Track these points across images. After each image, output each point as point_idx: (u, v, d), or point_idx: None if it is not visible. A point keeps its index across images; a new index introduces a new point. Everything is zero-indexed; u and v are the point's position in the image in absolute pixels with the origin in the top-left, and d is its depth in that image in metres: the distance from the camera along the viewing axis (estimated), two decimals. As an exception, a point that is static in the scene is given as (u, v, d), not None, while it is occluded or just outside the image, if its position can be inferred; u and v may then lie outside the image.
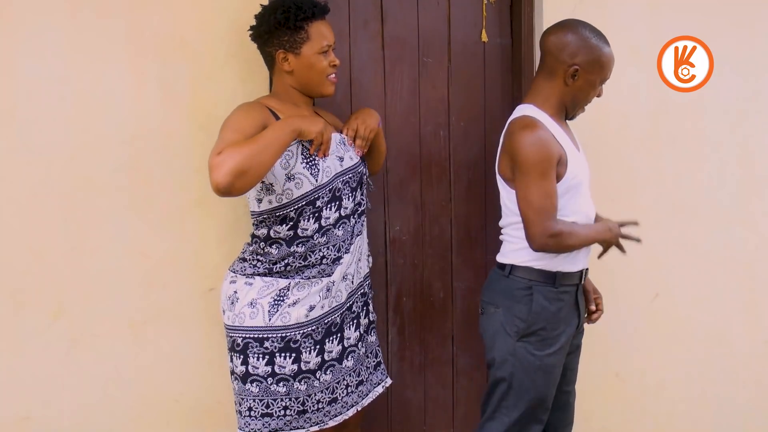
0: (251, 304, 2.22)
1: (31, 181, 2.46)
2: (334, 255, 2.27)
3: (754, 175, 2.90)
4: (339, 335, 2.30)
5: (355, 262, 2.34)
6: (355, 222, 2.33)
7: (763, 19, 2.90)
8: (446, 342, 2.90)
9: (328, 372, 2.27)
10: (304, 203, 2.21)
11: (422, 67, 2.81)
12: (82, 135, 2.49)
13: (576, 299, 2.33)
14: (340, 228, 2.28)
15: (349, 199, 2.30)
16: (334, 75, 2.31)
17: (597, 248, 2.38)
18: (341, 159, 2.28)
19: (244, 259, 2.30)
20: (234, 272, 2.29)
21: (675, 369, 2.90)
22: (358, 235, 2.34)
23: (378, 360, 2.48)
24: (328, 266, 2.26)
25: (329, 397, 2.28)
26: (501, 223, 2.36)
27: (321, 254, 2.26)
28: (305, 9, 2.24)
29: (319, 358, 2.25)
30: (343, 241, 2.29)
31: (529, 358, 2.25)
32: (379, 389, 2.46)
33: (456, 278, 2.88)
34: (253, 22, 2.37)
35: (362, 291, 2.40)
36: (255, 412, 2.23)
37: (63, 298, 2.50)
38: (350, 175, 2.30)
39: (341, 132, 2.38)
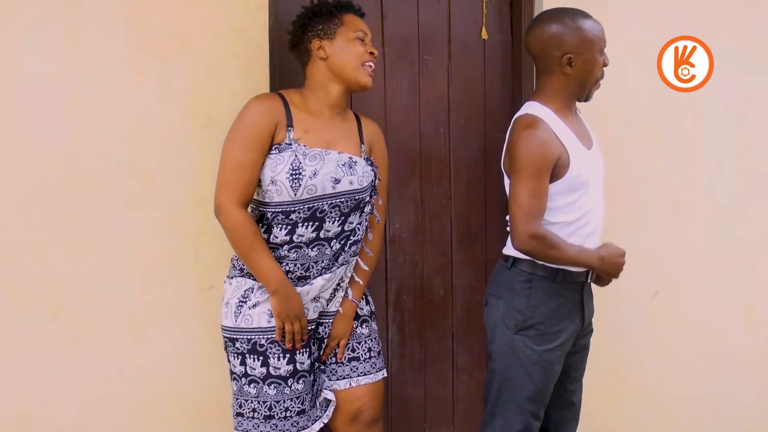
0: (226, 303, 2.26)
1: (30, 179, 2.46)
2: (300, 273, 2.22)
3: (754, 172, 2.90)
4: (308, 350, 2.26)
5: (332, 288, 2.29)
6: (340, 249, 2.25)
7: (764, 17, 2.90)
8: (446, 339, 2.90)
9: (300, 381, 2.23)
10: (278, 210, 2.19)
11: (422, 65, 2.82)
12: (81, 132, 2.48)
13: (581, 297, 2.31)
14: (315, 249, 2.22)
15: (334, 223, 2.22)
16: (371, 64, 2.25)
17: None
18: (336, 181, 2.19)
19: (231, 260, 2.31)
20: (227, 276, 2.32)
21: (675, 367, 2.89)
22: (343, 264, 2.27)
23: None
24: (293, 282, 2.22)
25: (299, 408, 2.23)
26: (508, 217, 2.37)
27: (287, 268, 2.21)
28: (339, 1, 2.28)
29: (290, 367, 2.21)
30: (315, 262, 2.23)
31: (527, 352, 2.25)
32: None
33: (456, 275, 2.88)
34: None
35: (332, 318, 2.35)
36: (233, 410, 2.27)
37: (62, 296, 2.49)
38: (342, 200, 2.21)
39: (372, 150, 2.36)
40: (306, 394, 2.24)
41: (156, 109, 2.51)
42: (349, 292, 2.36)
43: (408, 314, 2.87)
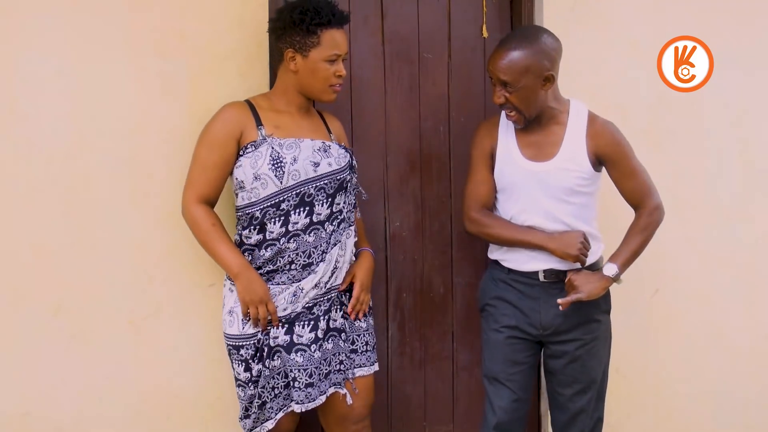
0: (230, 312, 2.30)
1: (31, 176, 2.46)
2: (304, 261, 2.27)
3: (754, 169, 2.90)
4: (288, 327, 2.29)
5: (330, 272, 2.31)
6: (333, 230, 2.31)
7: (764, 16, 2.90)
8: (446, 337, 2.90)
9: (275, 357, 2.28)
10: (268, 204, 2.24)
11: (422, 63, 2.82)
12: (81, 130, 2.48)
13: (539, 297, 2.36)
14: (312, 234, 2.27)
15: (323, 205, 2.28)
16: (338, 85, 2.31)
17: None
18: (316, 165, 2.26)
19: None
20: (225, 275, 2.35)
21: (675, 364, 2.90)
22: (335, 245, 2.31)
23: (330, 369, 2.33)
24: (298, 272, 2.27)
25: (283, 382, 2.29)
26: None
27: (289, 259, 2.26)
28: (323, 14, 2.24)
29: (287, 337, 2.28)
30: (315, 248, 2.28)
31: (484, 330, 2.50)
32: (322, 398, 2.32)
33: (456, 274, 2.88)
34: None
35: (330, 296, 2.34)
36: (240, 413, 2.33)
37: (63, 294, 2.49)
38: (326, 181, 2.28)
39: (341, 143, 2.42)
40: (287, 371, 2.27)
41: (156, 107, 2.51)
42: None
43: (408, 312, 2.87)
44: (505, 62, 2.24)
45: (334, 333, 2.36)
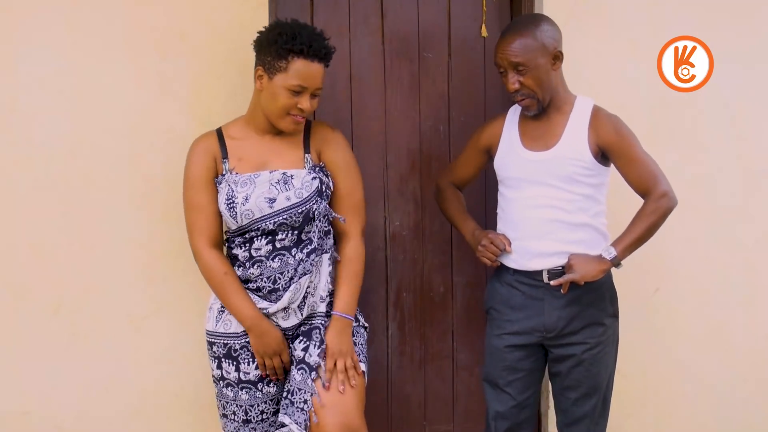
0: (210, 308, 2.33)
1: (30, 176, 2.47)
2: (269, 287, 2.23)
3: (754, 168, 2.90)
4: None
5: (301, 298, 2.23)
6: (302, 259, 2.21)
7: (764, 16, 2.89)
8: (446, 337, 2.90)
9: (271, 384, 2.29)
10: (236, 234, 2.26)
11: (422, 62, 2.82)
12: (81, 129, 2.49)
13: (543, 298, 2.33)
14: (276, 260, 2.22)
15: (287, 234, 2.21)
16: (299, 116, 2.20)
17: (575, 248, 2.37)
18: (272, 200, 2.18)
19: None
20: None
21: (675, 364, 2.89)
22: (304, 275, 2.21)
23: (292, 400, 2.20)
24: (266, 296, 2.24)
25: (274, 408, 2.30)
26: None
27: (257, 285, 2.24)
28: (297, 41, 2.12)
29: (259, 372, 2.27)
30: (281, 273, 2.22)
31: (487, 334, 2.47)
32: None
33: (456, 273, 2.88)
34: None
35: (317, 317, 2.28)
36: (219, 411, 2.34)
37: (63, 293, 2.50)
38: (285, 216, 2.19)
39: (321, 156, 2.30)
40: (281, 396, 2.29)
41: (156, 107, 2.52)
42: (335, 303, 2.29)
43: (408, 312, 2.87)
44: (516, 44, 2.25)
45: (303, 367, 2.23)
